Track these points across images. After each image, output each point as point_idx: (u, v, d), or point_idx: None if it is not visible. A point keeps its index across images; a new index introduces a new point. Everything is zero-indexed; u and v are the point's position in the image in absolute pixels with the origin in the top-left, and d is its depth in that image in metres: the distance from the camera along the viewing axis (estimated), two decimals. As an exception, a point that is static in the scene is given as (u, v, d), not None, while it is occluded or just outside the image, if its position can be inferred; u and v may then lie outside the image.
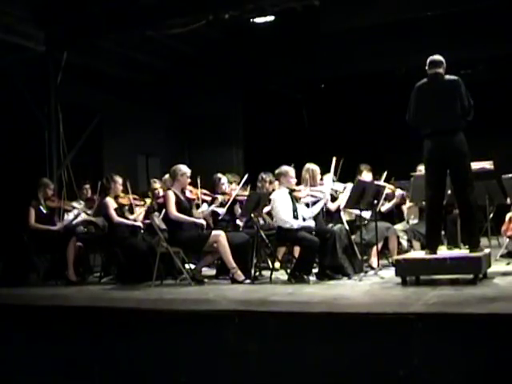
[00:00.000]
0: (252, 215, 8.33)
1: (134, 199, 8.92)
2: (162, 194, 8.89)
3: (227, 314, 5.68)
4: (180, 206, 7.99)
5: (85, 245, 8.99)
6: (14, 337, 6.54)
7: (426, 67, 7.00)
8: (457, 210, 7.87)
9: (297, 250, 8.17)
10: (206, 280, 8.18)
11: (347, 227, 8.31)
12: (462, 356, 4.78)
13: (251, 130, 14.88)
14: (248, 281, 7.79)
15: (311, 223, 7.98)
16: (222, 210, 8.80)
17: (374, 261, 8.53)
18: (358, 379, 5.06)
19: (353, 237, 8.25)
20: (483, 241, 8.10)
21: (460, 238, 7.70)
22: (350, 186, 8.52)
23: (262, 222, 8.71)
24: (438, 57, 6.98)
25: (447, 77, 6.92)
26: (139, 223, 8.76)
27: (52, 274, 9.02)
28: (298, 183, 8.43)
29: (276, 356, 5.37)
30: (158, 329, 5.93)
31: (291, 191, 8.06)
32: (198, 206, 8.75)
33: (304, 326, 5.35)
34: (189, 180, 8.27)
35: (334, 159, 8.43)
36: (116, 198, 8.74)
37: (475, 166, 8.30)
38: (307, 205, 8.14)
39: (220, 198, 8.84)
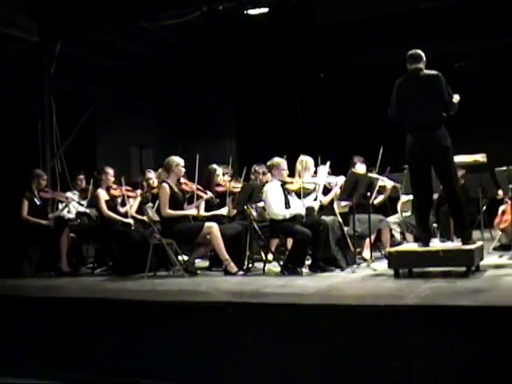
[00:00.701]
0: (245, 207, 8.32)
1: (127, 190, 8.91)
2: (155, 184, 8.90)
3: (220, 305, 5.69)
4: (173, 199, 7.98)
5: (78, 236, 8.98)
6: (7, 327, 6.54)
7: (406, 63, 7.01)
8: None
9: (290, 242, 8.19)
10: (198, 272, 8.18)
11: (340, 219, 8.32)
12: (454, 348, 4.80)
13: (244, 121, 14.87)
14: (241, 272, 7.80)
15: (302, 210, 7.98)
16: (224, 210, 8.76)
17: (366, 253, 8.55)
18: (351, 371, 5.08)
19: (346, 229, 8.26)
20: (476, 233, 8.14)
21: (453, 230, 7.71)
22: (342, 178, 8.51)
23: (254, 213, 8.70)
24: (417, 51, 7.00)
25: (427, 72, 6.94)
26: (130, 220, 8.72)
27: (45, 265, 9.01)
28: (291, 175, 8.42)
29: (269, 347, 5.38)
30: (150, 320, 5.94)
31: (283, 183, 8.06)
32: (189, 202, 8.66)
33: (297, 318, 5.36)
34: (183, 169, 8.23)
35: (328, 163, 8.52)
36: (108, 189, 8.73)
37: (468, 158, 8.31)
38: (299, 196, 8.15)
39: (209, 194, 8.76)
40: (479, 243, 7.04)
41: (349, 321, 5.16)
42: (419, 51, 6.99)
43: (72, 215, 9.29)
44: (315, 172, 8.74)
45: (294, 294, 6.14)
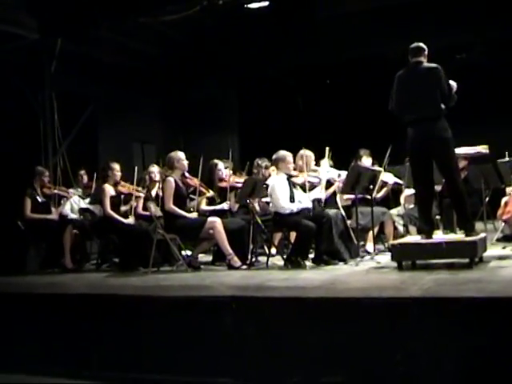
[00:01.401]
0: (248, 201, 8.32)
1: (137, 191, 8.83)
2: (157, 178, 8.90)
3: (224, 300, 5.69)
4: (177, 193, 7.97)
5: (81, 232, 8.99)
6: (12, 324, 6.56)
7: (408, 55, 7.01)
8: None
9: (293, 236, 8.17)
10: (202, 266, 8.19)
11: (343, 212, 8.32)
12: (458, 340, 4.80)
13: (246, 116, 14.87)
14: (244, 267, 7.80)
15: (309, 204, 7.99)
16: (225, 205, 8.74)
17: (370, 246, 8.56)
18: (355, 363, 5.08)
19: (349, 222, 8.26)
20: (479, 225, 8.12)
21: (456, 222, 7.71)
22: (344, 173, 8.52)
23: (257, 207, 8.70)
24: (419, 45, 7.00)
25: (426, 64, 6.94)
26: (130, 220, 8.64)
27: (48, 261, 9.03)
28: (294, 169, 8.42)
29: (273, 341, 5.39)
30: (155, 315, 5.94)
31: (289, 177, 8.04)
32: (191, 199, 8.66)
33: (301, 311, 5.36)
34: (186, 162, 8.21)
35: (328, 149, 8.50)
36: (116, 185, 8.70)
37: (471, 150, 8.31)
38: (304, 190, 8.14)
39: (211, 192, 8.75)
40: (482, 235, 7.04)
41: (353, 313, 5.16)
42: (421, 44, 6.99)
43: (75, 215, 9.28)
44: (315, 165, 8.75)
45: (297, 287, 6.14)
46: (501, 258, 7.31)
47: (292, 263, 7.62)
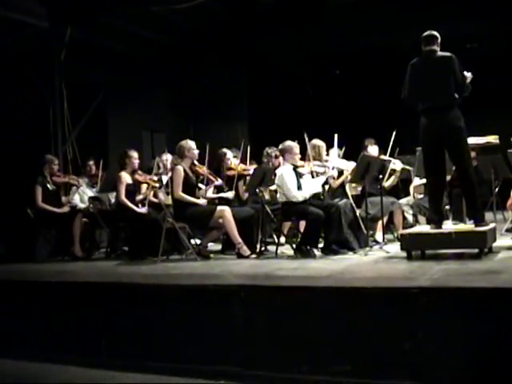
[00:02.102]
0: (257, 190, 8.33)
1: (153, 181, 8.83)
2: (169, 166, 8.91)
3: (233, 288, 5.71)
4: (186, 182, 7.98)
5: (90, 220, 9.02)
6: (23, 312, 6.60)
7: (421, 44, 6.98)
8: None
9: (302, 225, 8.19)
10: (211, 255, 8.22)
11: (352, 202, 8.32)
12: (466, 329, 4.80)
13: (256, 104, 14.85)
14: (254, 256, 7.82)
15: (319, 189, 8.02)
16: (230, 194, 8.75)
17: (379, 235, 8.56)
18: (364, 352, 5.10)
19: (358, 211, 8.26)
20: (488, 215, 8.11)
21: (465, 212, 7.70)
22: (353, 164, 8.51)
23: (267, 196, 8.71)
24: (432, 33, 6.96)
25: (441, 53, 6.91)
26: (143, 210, 8.64)
27: (58, 250, 9.07)
28: (303, 159, 8.42)
29: (283, 330, 5.41)
30: (164, 304, 5.97)
31: (295, 167, 8.04)
32: (199, 188, 8.65)
33: (310, 301, 5.37)
34: (196, 151, 8.22)
35: (336, 136, 8.48)
36: (133, 173, 8.71)
37: (481, 140, 8.28)
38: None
39: (219, 181, 8.76)
40: (492, 225, 7.02)
41: (362, 303, 5.17)
42: (434, 32, 6.95)
43: (84, 204, 9.30)
44: (327, 155, 8.75)
45: (307, 276, 6.15)
46: (510, 248, 7.30)
47: (301, 252, 7.63)
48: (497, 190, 9.58)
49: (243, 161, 9.26)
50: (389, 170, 8.54)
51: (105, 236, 9.56)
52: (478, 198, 7.03)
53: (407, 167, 9.15)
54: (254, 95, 14.89)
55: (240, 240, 7.81)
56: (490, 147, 8.69)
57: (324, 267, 6.67)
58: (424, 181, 8.44)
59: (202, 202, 8.15)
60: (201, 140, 8.77)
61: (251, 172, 8.70)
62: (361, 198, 8.61)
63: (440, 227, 6.85)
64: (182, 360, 5.73)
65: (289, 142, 8.08)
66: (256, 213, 8.26)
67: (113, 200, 9.04)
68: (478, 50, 13.34)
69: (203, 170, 8.47)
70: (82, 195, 9.43)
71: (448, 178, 8.10)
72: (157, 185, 8.76)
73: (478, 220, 6.82)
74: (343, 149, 9.09)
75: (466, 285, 5.09)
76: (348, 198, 8.54)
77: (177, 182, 7.93)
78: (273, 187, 8.56)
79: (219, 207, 7.97)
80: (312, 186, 7.98)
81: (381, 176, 8.08)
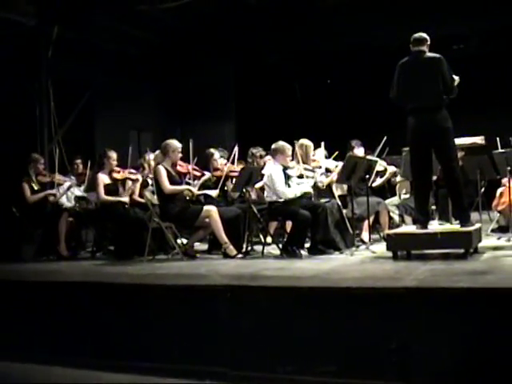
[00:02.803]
0: (244, 190, 8.32)
1: (130, 173, 8.84)
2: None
3: (219, 288, 5.70)
4: (170, 180, 7.97)
5: (76, 220, 8.98)
6: (7, 312, 6.57)
7: (410, 44, 7.01)
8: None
9: (289, 225, 8.20)
10: (198, 255, 8.20)
11: (339, 202, 8.33)
12: (452, 330, 4.81)
13: (243, 104, 14.84)
14: (240, 255, 7.81)
15: (309, 188, 8.04)
16: (214, 192, 8.72)
17: (365, 235, 8.58)
18: (350, 352, 5.10)
19: (344, 211, 8.27)
20: (474, 215, 8.15)
21: (451, 212, 7.73)
22: (341, 164, 8.53)
23: (254, 196, 8.71)
24: (422, 35, 7.02)
25: (429, 54, 6.94)
26: (125, 198, 8.66)
27: (44, 249, 9.02)
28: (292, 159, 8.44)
29: (268, 330, 5.41)
30: (150, 304, 5.95)
31: (285, 168, 8.04)
32: (188, 184, 8.66)
33: (296, 301, 5.37)
34: (180, 155, 8.24)
35: (323, 144, 8.53)
36: (110, 173, 8.70)
37: (467, 140, 8.30)
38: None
39: (208, 174, 8.76)
40: (477, 225, 7.06)
41: (348, 303, 5.17)
42: (424, 34, 7.00)
43: (70, 204, 9.26)
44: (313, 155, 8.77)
45: (293, 276, 6.16)
46: (496, 248, 7.35)
47: (287, 252, 7.64)
48: (482, 190, 9.62)
49: (231, 161, 9.25)
50: (375, 171, 8.55)
51: (91, 235, 9.53)
52: (464, 199, 7.06)
53: (393, 168, 9.17)
54: (242, 94, 14.88)
55: (226, 240, 7.80)
56: (476, 148, 8.71)
57: (310, 267, 6.67)
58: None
59: (193, 188, 8.15)
60: (188, 139, 8.75)
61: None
62: (347, 199, 8.62)
63: (426, 227, 6.88)
64: (168, 360, 5.71)
65: (282, 143, 8.07)
66: (242, 213, 8.25)
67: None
68: (464, 51, 13.37)
69: (186, 167, 8.47)
70: (69, 194, 9.37)
71: (434, 178, 8.14)
72: (138, 177, 8.74)
73: (464, 220, 6.84)
74: (335, 153, 9.14)
75: (452, 285, 5.10)
76: (335, 198, 8.55)
77: (162, 179, 7.91)
78: (258, 185, 8.56)
79: (206, 207, 7.96)
80: (300, 188, 7.98)
81: (367, 176, 8.09)
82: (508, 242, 7.76)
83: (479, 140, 8.01)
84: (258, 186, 8.63)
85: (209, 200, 8.68)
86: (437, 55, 6.90)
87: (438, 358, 4.84)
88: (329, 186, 8.76)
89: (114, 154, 8.76)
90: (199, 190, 8.68)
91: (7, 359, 6.25)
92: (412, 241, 6.78)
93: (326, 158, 8.94)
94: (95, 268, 7.77)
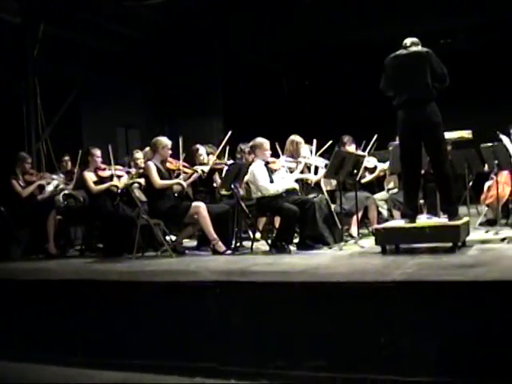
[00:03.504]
0: (232, 186, 8.32)
1: (116, 169, 8.83)
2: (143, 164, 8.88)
3: (209, 284, 5.71)
4: (160, 177, 7.96)
5: (65, 218, 8.95)
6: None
7: (401, 43, 7.03)
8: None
9: (277, 221, 8.21)
10: (187, 251, 8.20)
11: (327, 197, 8.34)
12: (441, 323, 4.84)
13: (231, 100, 14.83)
14: (229, 252, 7.81)
15: (294, 184, 8.05)
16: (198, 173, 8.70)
17: (354, 230, 8.60)
18: (340, 346, 5.12)
19: (333, 206, 8.28)
20: (462, 209, 8.17)
21: (439, 206, 7.76)
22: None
23: (242, 192, 8.71)
24: (413, 38, 7.03)
25: (417, 48, 6.95)
26: (116, 182, 8.60)
27: (32, 247, 8.99)
28: (273, 155, 8.45)
29: (257, 326, 5.42)
30: (140, 301, 5.95)
31: (266, 163, 8.07)
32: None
33: (285, 296, 5.39)
34: (169, 152, 8.23)
35: (315, 141, 8.55)
36: (96, 171, 8.67)
37: (454, 134, 8.34)
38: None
39: (199, 169, 8.76)
40: (465, 219, 7.08)
41: (337, 297, 5.19)
42: (416, 39, 7.01)
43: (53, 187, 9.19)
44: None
45: (282, 271, 6.16)
46: (484, 241, 7.36)
47: (276, 248, 7.64)
48: (470, 184, 9.66)
49: (219, 157, 9.25)
50: (363, 166, 8.57)
51: (79, 233, 9.50)
52: (453, 192, 7.08)
53: (382, 165, 9.19)
54: (229, 91, 14.87)
55: (215, 236, 7.79)
56: (463, 142, 8.75)
57: (299, 262, 6.68)
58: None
59: (183, 182, 8.17)
60: (176, 136, 8.74)
61: (224, 166, 8.72)
62: (335, 194, 8.63)
63: (414, 221, 6.89)
64: (157, 357, 5.72)
65: (259, 139, 8.11)
66: (231, 208, 8.25)
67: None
68: (451, 46, 13.40)
69: (176, 164, 8.46)
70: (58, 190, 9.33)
71: (422, 171, 8.16)
72: (123, 173, 8.72)
73: (452, 214, 6.87)
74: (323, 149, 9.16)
75: (440, 279, 5.13)
76: (323, 193, 8.57)
77: (152, 174, 7.89)
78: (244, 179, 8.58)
79: (194, 203, 7.95)
80: (284, 182, 8.01)
81: (355, 171, 8.11)
82: (496, 236, 7.78)
83: (466, 134, 8.04)
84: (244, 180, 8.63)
85: (197, 196, 8.69)
86: (424, 49, 6.92)
87: (426, 351, 4.86)
88: (317, 181, 8.78)
89: (98, 152, 8.72)
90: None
91: (4, 359, 6.24)
92: (400, 235, 6.79)
93: (312, 153, 8.94)
94: (84, 266, 7.74)
